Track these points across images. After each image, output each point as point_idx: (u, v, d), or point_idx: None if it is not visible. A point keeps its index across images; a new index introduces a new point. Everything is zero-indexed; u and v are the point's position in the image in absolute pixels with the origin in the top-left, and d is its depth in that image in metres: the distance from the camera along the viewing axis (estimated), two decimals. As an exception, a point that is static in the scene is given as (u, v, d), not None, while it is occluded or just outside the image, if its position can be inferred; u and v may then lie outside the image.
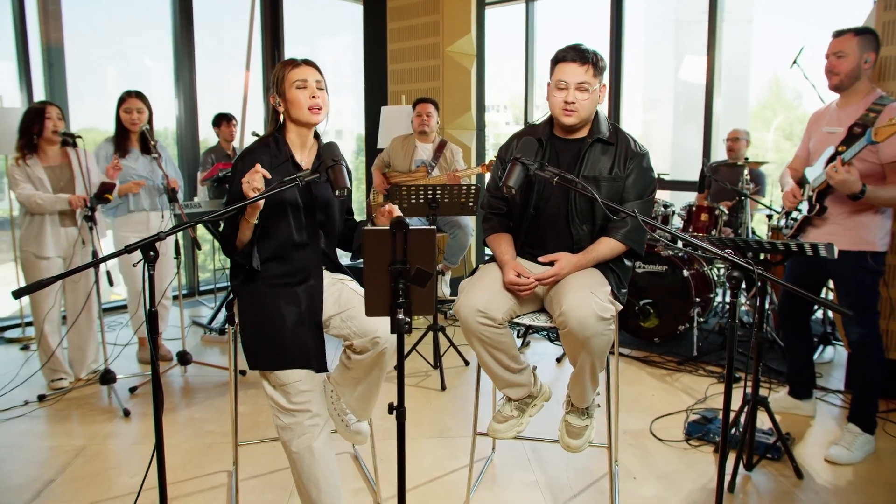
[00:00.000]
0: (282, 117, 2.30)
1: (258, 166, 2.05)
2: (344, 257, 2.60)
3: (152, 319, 1.86)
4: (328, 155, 2.14)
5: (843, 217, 2.86)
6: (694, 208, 4.68)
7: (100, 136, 5.64)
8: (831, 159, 2.79)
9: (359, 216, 2.65)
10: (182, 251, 3.96)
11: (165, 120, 6.15)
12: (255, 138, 2.36)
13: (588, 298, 2.14)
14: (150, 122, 3.91)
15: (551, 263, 2.33)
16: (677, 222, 4.87)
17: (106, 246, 4.02)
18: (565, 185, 2.14)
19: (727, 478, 2.60)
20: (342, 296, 2.31)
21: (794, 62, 4.26)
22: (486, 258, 6.60)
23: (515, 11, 7.13)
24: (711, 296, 4.57)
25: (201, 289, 6.33)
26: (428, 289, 1.76)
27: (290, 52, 6.83)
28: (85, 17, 5.65)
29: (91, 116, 5.88)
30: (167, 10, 6.01)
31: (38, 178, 3.59)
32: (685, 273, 4.28)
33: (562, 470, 2.83)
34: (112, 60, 6.25)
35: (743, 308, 4.74)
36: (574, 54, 2.29)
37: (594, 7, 6.72)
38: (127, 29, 6.21)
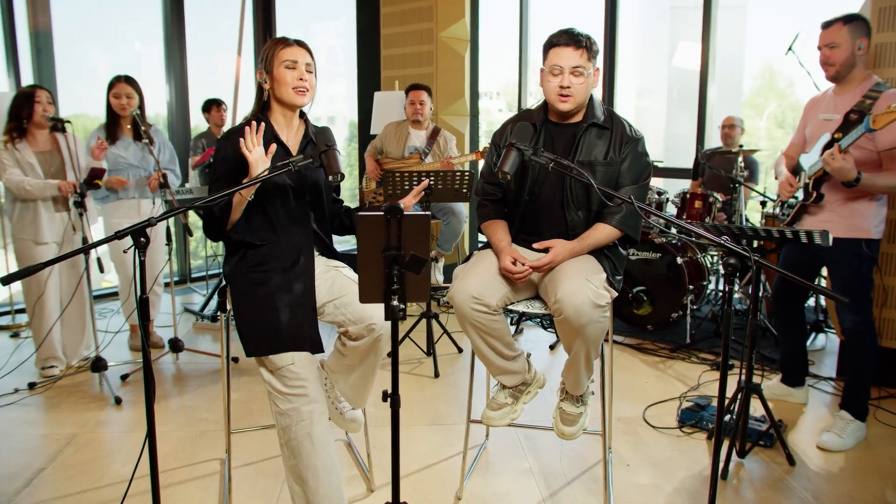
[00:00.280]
0: (266, 95, 2.28)
1: (249, 128, 2.07)
2: (339, 244, 2.58)
3: (143, 306, 1.84)
4: (322, 140, 2.12)
5: (838, 204, 2.86)
6: (688, 195, 4.67)
7: (89, 122, 5.59)
8: (828, 146, 2.78)
9: (352, 203, 2.63)
10: (174, 238, 3.93)
11: (156, 105, 6.09)
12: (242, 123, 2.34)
13: (583, 285, 2.13)
14: (140, 107, 3.86)
15: (546, 250, 2.31)
16: (671, 209, 4.86)
17: (97, 233, 3.98)
18: (561, 170, 2.12)
19: (720, 465, 2.61)
20: (336, 282, 2.29)
21: (790, 49, 4.24)
22: (480, 245, 6.60)
23: (509, -3, 7.08)
24: (704, 283, 4.57)
25: (193, 275, 6.30)
26: (423, 275, 1.74)
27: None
28: (73, 1, 5.57)
29: (80, 102, 5.82)
30: (157, -6, 5.94)
31: (28, 164, 3.54)
32: (679, 260, 4.28)
33: (555, 457, 2.83)
34: (102, 45, 6.17)
35: (736, 296, 4.74)
36: (568, 38, 2.27)
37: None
38: (117, 13, 6.13)
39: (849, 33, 2.78)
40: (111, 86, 3.82)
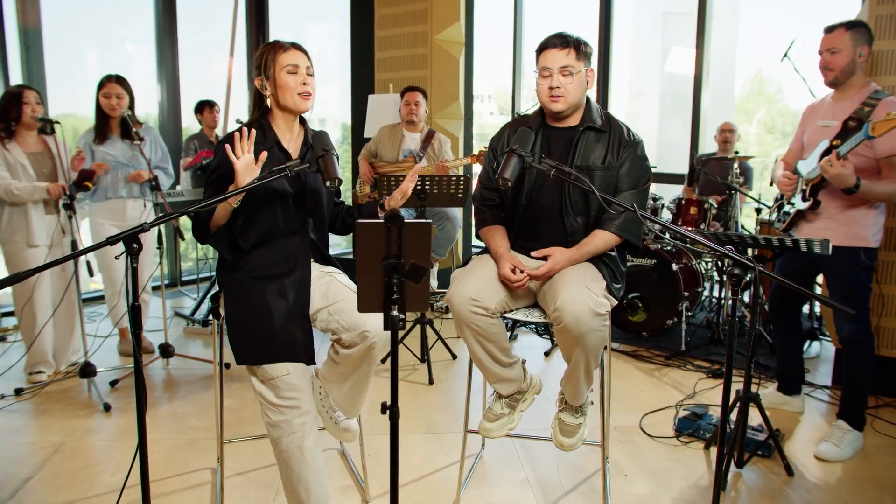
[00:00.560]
0: (268, 101, 2.22)
1: (239, 134, 2.01)
2: (335, 248, 2.55)
3: (135, 314, 1.79)
4: (319, 144, 2.08)
5: (836, 212, 2.84)
6: (683, 201, 4.66)
7: (79, 122, 5.52)
8: (826, 153, 2.77)
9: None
10: (164, 241, 3.87)
11: (147, 106, 6.02)
12: (240, 125, 2.29)
13: (583, 294, 2.10)
14: (131, 107, 3.79)
15: (545, 258, 2.28)
16: (666, 215, 4.84)
17: (85, 234, 3.92)
18: (562, 177, 2.09)
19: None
20: (330, 289, 2.25)
21: (785, 55, 4.23)
22: (475, 251, 6.56)
23: (503, 0, 7.06)
24: (699, 290, 4.56)
25: (183, 279, 6.23)
26: (422, 284, 1.71)
27: (275, 38, 6.73)
28: (64, 0, 5.50)
29: (70, 101, 5.74)
30: (149, -6, 5.88)
31: (20, 165, 3.47)
32: (674, 267, 4.26)
33: (552, 467, 2.79)
34: (92, 45, 6.10)
35: (731, 302, 4.72)
36: (556, 39, 2.29)
37: (582, -3, 6.67)
38: (108, 12, 6.06)
39: (851, 39, 2.77)
40: (101, 85, 3.75)
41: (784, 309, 3.19)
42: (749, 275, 1.74)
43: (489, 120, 9.49)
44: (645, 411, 3.33)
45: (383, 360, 3.61)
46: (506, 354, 2.36)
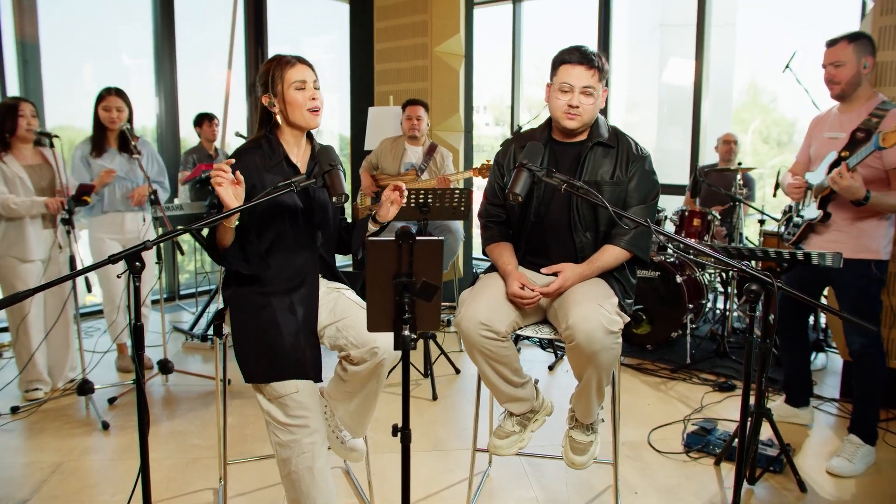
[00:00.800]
0: (277, 118, 2.18)
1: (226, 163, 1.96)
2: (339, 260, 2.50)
3: (138, 334, 1.75)
4: (325, 160, 2.04)
5: (846, 224, 2.81)
6: (686, 213, 4.63)
7: (76, 134, 5.46)
8: (834, 164, 2.74)
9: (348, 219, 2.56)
10: (163, 255, 3.82)
11: (145, 118, 5.98)
12: (238, 139, 2.25)
13: (595, 311, 2.06)
14: (129, 120, 3.76)
15: (555, 274, 2.24)
16: (669, 227, 4.82)
17: (83, 247, 3.86)
18: (573, 192, 2.05)
19: (729, 493, 2.54)
20: (338, 305, 2.21)
21: (787, 66, 4.23)
22: (476, 264, 6.52)
23: (501, 12, 7.06)
24: (703, 301, 4.52)
25: (182, 292, 6.17)
26: (433, 303, 1.66)
27: (273, 51, 6.68)
28: (61, 13, 5.46)
29: (67, 114, 5.69)
30: (148, 7, 5.85)
31: (18, 178, 3.42)
32: (678, 279, 4.22)
33: (561, 485, 2.74)
34: (90, 57, 6.06)
35: (735, 314, 4.70)
36: (580, 56, 2.21)
37: (581, 8, 6.67)
38: (106, 25, 6.03)
39: (854, 52, 2.75)
40: (101, 98, 3.71)
41: (792, 321, 3.15)
42: (774, 292, 1.70)
43: (485, 131, 9.46)
44: (652, 426, 3.28)
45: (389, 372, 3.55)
46: (517, 374, 2.32)
